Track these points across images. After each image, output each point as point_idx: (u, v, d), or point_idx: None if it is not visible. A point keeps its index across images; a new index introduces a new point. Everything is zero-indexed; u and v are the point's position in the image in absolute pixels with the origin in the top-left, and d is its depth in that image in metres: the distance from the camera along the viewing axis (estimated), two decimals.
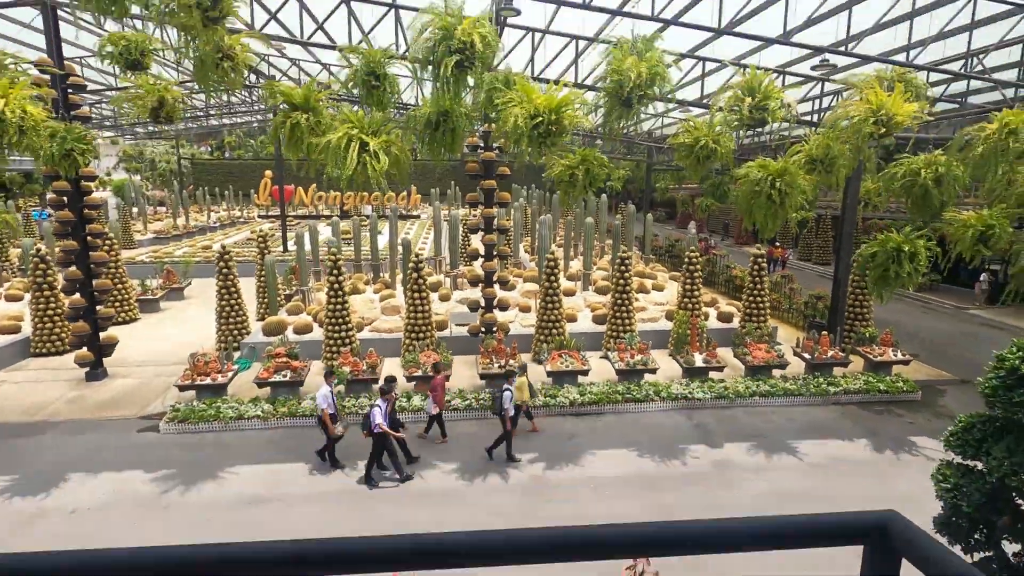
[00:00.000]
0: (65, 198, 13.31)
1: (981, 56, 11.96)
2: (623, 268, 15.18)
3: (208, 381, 12.46)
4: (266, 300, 19.15)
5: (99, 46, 11.17)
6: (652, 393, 12.89)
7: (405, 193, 47.07)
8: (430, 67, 8.90)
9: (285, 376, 12.67)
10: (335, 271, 14.29)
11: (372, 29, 13.79)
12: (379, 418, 9.70)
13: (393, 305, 17.44)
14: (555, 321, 15.06)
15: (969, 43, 11.59)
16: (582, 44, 14.42)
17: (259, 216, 47.59)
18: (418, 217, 46.22)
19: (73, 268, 13.57)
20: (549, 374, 13.38)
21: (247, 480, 10.01)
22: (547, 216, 17.86)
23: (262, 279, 19.21)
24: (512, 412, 10.50)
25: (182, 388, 12.46)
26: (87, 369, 14.10)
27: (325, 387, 10.39)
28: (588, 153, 10.54)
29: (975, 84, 14.86)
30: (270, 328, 15.98)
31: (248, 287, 19.74)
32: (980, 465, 4.67)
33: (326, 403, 10.21)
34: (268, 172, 46.28)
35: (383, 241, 26.81)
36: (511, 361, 13.38)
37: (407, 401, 12.43)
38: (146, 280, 21.57)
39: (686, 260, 15.70)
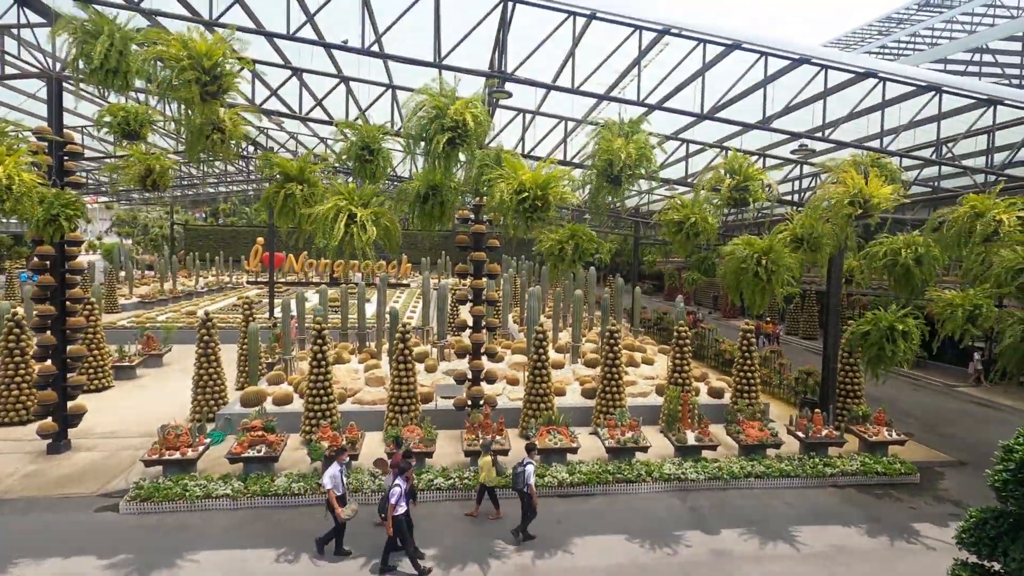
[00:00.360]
0: (48, 262, 13.13)
1: (950, 144, 12.60)
2: (612, 341, 15.03)
3: (177, 456, 11.79)
4: (247, 369, 18.63)
5: (98, 117, 11.42)
6: (644, 473, 12.37)
7: (395, 262, 47.43)
8: (423, 143, 9.11)
9: (260, 451, 12.04)
10: (320, 340, 13.99)
11: (369, 107, 14.30)
12: (396, 499, 8.93)
13: (377, 376, 16.99)
14: (544, 395, 14.69)
15: (938, 132, 12.25)
16: (570, 124, 15.04)
17: (248, 282, 47.39)
18: (408, 286, 46.32)
19: (48, 334, 13.16)
20: (538, 452, 12.84)
21: (207, 569, 9.21)
22: (536, 288, 17.90)
23: (245, 347, 18.77)
24: (533, 487, 10.06)
25: (148, 463, 11.76)
26: (49, 441, 13.34)
27: (335, 466, 9.58)
28: (576, 228, 10.67)
29: (947, 169, 15.57)
30: (248, 399, 15.40)
31: (230, 354, 19.25)
32: (997, 566, 4.37)
33: (333, 484, 9.35)
34: (260, 239, 46.68)
35: (371, 310, 26.63)
36: (498, 437, 12.88)
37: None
38: (124, 346, 20.99)
39: (676, 334, 15.62)
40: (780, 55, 10.05)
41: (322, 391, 13.98)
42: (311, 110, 14.24)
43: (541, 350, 14.70)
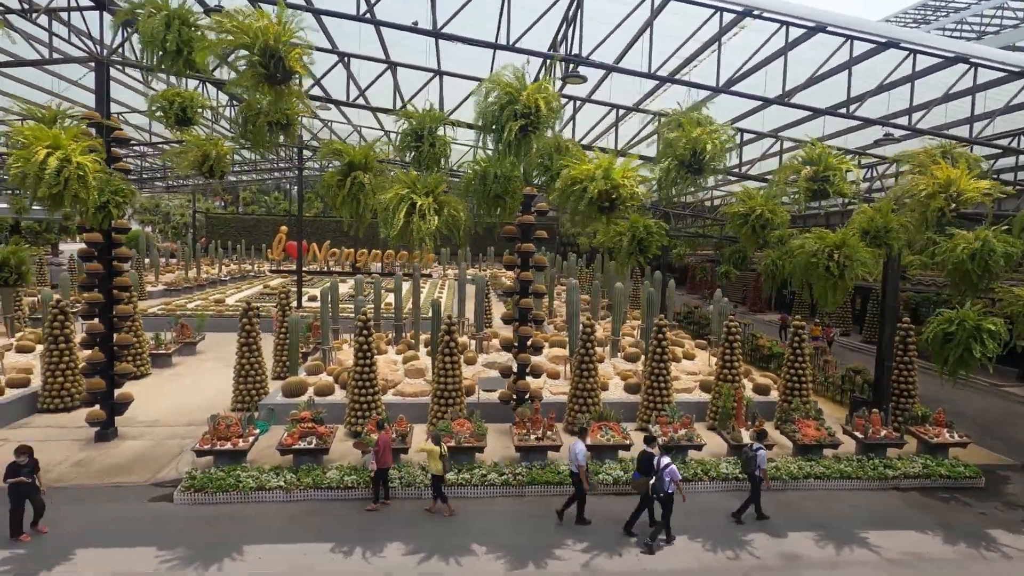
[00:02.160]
0: (95, 250, 13.03)
1: None
2: (660, 336, 14.68)
3: (228, 446, 11.68)
4: (284, 359, 18.57)
5: (149, 102, 11.24)
6: (700, 472, 12.06)
7: (418, 252, 47.20)
8: (494, 130, 8.79)
9: (310, 443, 11.89)
10: (365, 331, 13.80)
11: (415, 95, 13.97)
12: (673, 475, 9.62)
13: (417, 368, 16.80)
14: (591, 390, 14.39)
15: None
16: (621, 112, 14.59)
17: (270, 271, 47.49)
18: (429, 276, 46.07)
19: (95, 321, 13.09)
20: (589, 448, 12.57)
21: (269, 563, 9.08)
22: (574, 280, 17.55)
23: (281, 336, 18.69)
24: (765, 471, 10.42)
25: (200, 453, 11.66)
26: (97, 428, 13.32)
27: (581, 443, 10.36)
28: (639, 220, 10.29)
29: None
30: (291, 389, 15.30)
31: (265, 344, 19.18)
32: None
33: (584, 459, 10.24)
34: (283, 227, 46.66)
35: (390, 299, 26.45)
36: (548, 432, 12.63)
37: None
38: (160, 334, 21.01)
39: (725, 329, 15.22)
40: (866, 38, 9.54)
41: (367, 382, 13.81)
42: (356, 98, 13.92)
43: (588, 344, 14.38)
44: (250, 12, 7.99)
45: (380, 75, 13.83)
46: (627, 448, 12.59)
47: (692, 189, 9.82)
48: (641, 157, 12.19)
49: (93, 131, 12.42)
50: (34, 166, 7.87)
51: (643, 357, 18.64)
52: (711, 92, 11.80)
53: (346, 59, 13.63)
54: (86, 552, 9.16)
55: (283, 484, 11.11)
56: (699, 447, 12.67)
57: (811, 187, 9.30)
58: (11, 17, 12.60)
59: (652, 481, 9.64)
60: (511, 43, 9.96)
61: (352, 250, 45.45)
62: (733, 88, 10.62)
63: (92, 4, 12.53)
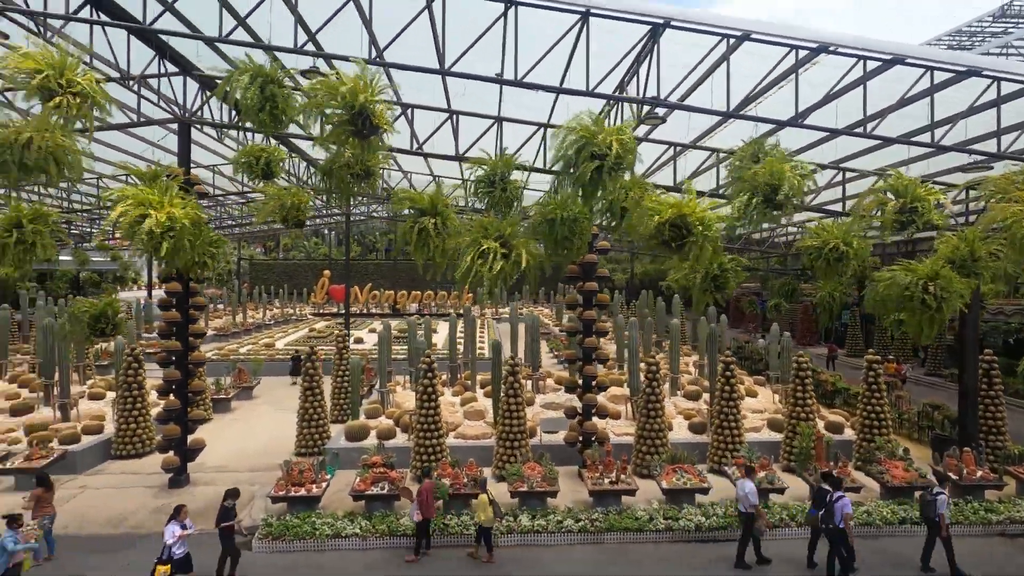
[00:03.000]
0: (173, 299, 13.53)
1: None
2: (728, 373, 14.31)
3: (303, 493, 11.68)
4: (342, 402, 18.69)
5: (235, 158, 11.83)
6: (787, 516, 11.49)
7: (457, 293, 47.68)
8: (570, 172, 8.93)
9: (383, 488, 11.81)
10: (429, 374, 13.83)
11: (477, 140, 14.39)
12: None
13: (477, 409, 16.69)
14: (658, 430, 14.02)
15: None
16: (678, 148, 14.71)
17: (312, 314, 48.43)
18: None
19: (172, 368, 13.47)
20: (664, 491, 12.17)
21: None
22: (634, 318, 17.37)
23: (339, 379, 18.87)
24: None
25: (275, 499, 11.69)
26: (171, 475, 13.52)
27: (750, 483, 10.30)
28: (716, 257, 10.17)
29: None
30: (354, 432, 15.33)
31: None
32: None
33: (756, 498, 10.15)
34: (326, 272, 47.81)
35: (439, 340, 26.53)
36: (623, 476, 12.27)
37: (513, 521, 11.33)
38: (220, 379, 21.46)
39: (795, 365, 14.75)
40: (946, 68, 9.50)
41: (432, 426, 13.75)
42: (423, 144, 14.39)
43: (654, 383, 14.10)
44: (336, 73, 8.42)
45: (442, 124, 14.32)
46: (705, 492, 12.12)
47: (767, 225, 9.69)
48: (710, 194, 12.21)
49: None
50: (139, 223, 8.32)
51: (704, 396, 18.18)
52: (775, 126, 11.81)
53: (410, 110, 14.17)
54: None
55: (359, 531, 11.01)
56: (781, 491, 12.11)
57: (899, 219, 9.12)
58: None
59: (820, 513, 9.82)
60: (591, 89, 10.21)
61: (392, 292, 46.17)
62: (804, 121, 10.61)
63: (176, 70, 13.44)
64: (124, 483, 13.91)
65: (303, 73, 9.54)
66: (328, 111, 8.19)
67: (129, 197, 8.69)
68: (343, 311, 46.50)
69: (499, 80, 10.18)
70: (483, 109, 14.47)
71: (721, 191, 13.81)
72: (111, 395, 18.82)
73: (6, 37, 9.50)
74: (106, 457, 15.47)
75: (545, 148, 14.21)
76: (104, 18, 10.79)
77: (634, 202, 9.07)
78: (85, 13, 10.27)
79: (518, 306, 49.25)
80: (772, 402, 18.23)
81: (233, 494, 9.99)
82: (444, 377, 20.25)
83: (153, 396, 16.15)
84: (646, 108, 10.47)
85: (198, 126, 14.39)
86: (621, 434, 15.53)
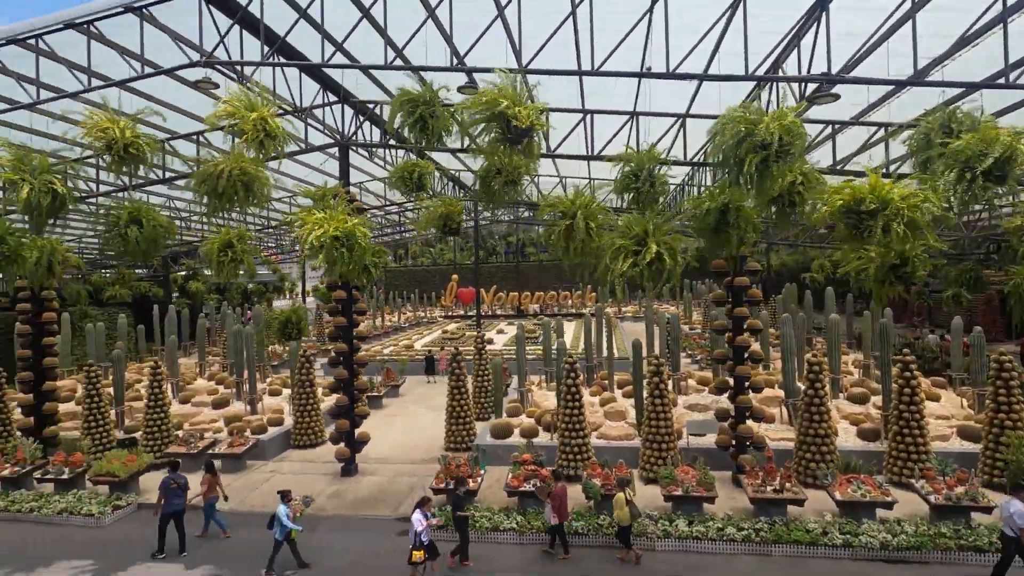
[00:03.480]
0: (340, 306, 14.99)
1: None
2: (909, 374, 12.73)
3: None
4: (482, 400, 19.48)
5: (391, 174, 12.83)
6: (996, 540, 9.93)
7: (579, 291, 47.64)
8: (733, 165, 8.50)
9: (534, 485, 12.09)
10: (572, 374, 13.93)
11: (613, 137, 14.24)
12: None
13: (617, 410, 16.51)
14: (823, 436, 12.84)
15: None
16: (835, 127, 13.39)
17: (443, 316, 51.06)
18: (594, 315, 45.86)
19: (341, 368, 14.93)
20: (839, 504, 11.12)
21: None
22: (787, 314, 16.11)
23: (480, 378, 19.68)
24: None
25: (437, 491, 12.46)
26: (343, 464, 14.97)
27: (1019, 503, 8.77)
28: (911, 241, 9.00)
29: None
30: (498, 430, 15.90)
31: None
32: None
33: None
34: (454, 276, 50.19)
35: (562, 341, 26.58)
36: (788, 484, 11.42)
37: (670, 524, 11.02)
38: (372, 378, 23.40)
39: (995, 364, 12.73)
40: None
41: (576, 425, 13.82)
42: (557, 146, 14.55)
43: (818, 384, 12.94)
44: (489, 85, 8.78)
45: (577, 124, 14.36)
46: (888, 506, 10.88)
47: (981, 204, 8.42)
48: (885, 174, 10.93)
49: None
50: (318, 239, 9.40)
51: (873, 399, 16.36)
52: (964, 90, 10.29)
53: (544, 114, 14.38)
54: None
55: (515, 526, 11.37)
56: (988, 509, 10.51)
57: None
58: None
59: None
60: (750, 72, 9.67)
61: (516, 293, 47.27)
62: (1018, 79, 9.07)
63: (336, 100, 14.89)
64: (304, 470, 15.67)
65: (459, 89, 10.13)
66: (484, 123, 8.56)
67: (314, 217, 9.78)
68: (469, 313, 48.74)
69: (646, 74, 9.97)
70: (614, 106, 14.30)
71: (893, 168, 12.37)
72: (286, 391, 21.35)
73: (216, 87, 11.25)
74: (287, 446, 17.54)
75: (685, 139, 13.68)
76: (281, 59, 12.29)
77: (811, 187, 8.39)
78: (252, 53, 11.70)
79: (641, 304, 48.02)
80: (960, 407, 15.92)
81: (462, 482, 10.84)
82: (581, 377, 20.28)
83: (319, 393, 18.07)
84: (811, 87, 9.61)
85: (353, 148, 15.82)
86: (776, 439, 14.47)
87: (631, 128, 14.41)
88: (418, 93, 9.12)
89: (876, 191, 8.46)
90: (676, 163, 10.21)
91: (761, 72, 10.40)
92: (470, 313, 48.56)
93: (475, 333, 20.73)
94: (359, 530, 12.06)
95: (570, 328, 38.15)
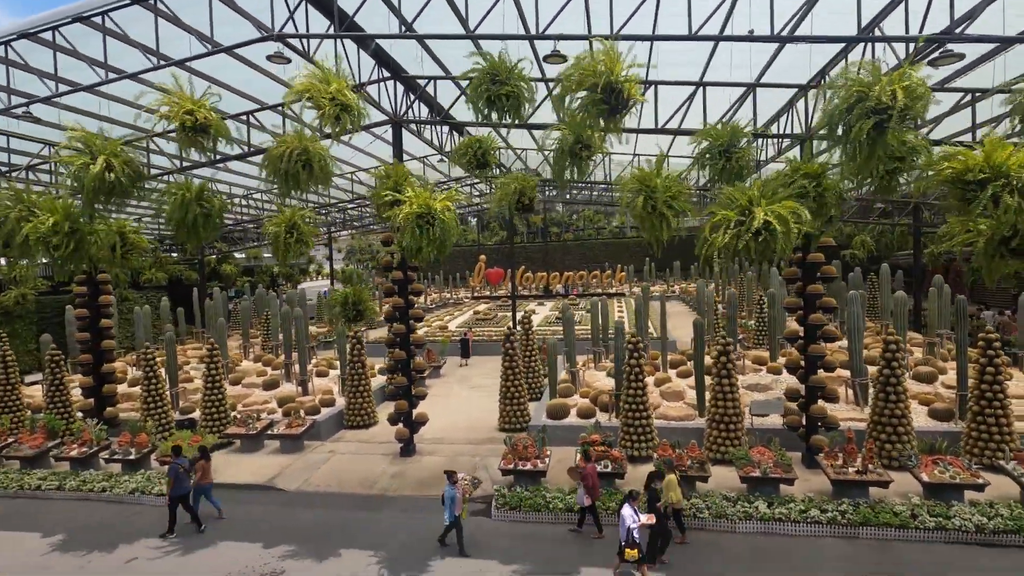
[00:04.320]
0: (396, 287, 14.83)
1: None
2: (991, 352, 12.24)
3: (529, 467, 12.22)
4: (531, 381, 19.32)
5: (456, 150, 12.50)
6: None
7: (609, 271, 47.15)
8: (839, 135, 8.03)
9: (606, 467, 11.93)
10: (636, 354, 13.66)
11: (678, 110, 13.69)
12: None
13: (674, 390, 16.25)
14: (900, 417, 12.46)
15: None
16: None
17: (472, 297, 50.96)
18: (623, 295, 45.51)
19: (399, 350, 14.82)
20: (925, 485, 10.79)
21: None
22: (854, 292, 15.57)
23: (528, 359, 19.50)
24: None
25: (505, 472, 12.37)
26: (401, 445, 14.96)
27: None
28: (1013, 216, 8.52)
29: None
30: (555, 410, 15.74)
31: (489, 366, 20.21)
32: None
33: None
34: (482, 257, 49.92)
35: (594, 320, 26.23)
36: (870, 465, 11.08)
37: (750, 506, 10.79)
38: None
39: None
40: None
41: (640, 406, 13.60)
42: (667, 121, 13.93)
43: (894, 364, 12.52)
44: (586, 55, 8.36)
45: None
46: (980, 488, 10.53)
47: None
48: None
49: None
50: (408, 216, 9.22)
51: (941, 378, 15.89)
52: None
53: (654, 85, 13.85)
54: (438, 562, 10.04)
55: None
56: None
57: None
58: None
59: None
60: (863, 29, 9.06)
61: (545, 274, 46.93)
62: None
63: (388, 76, 14.51)
64: (361, 450, 15.70)
65: (544, 59, 9.72)
66: (586, 91, 8.18)
67: (406, 195, 9.54)
68: (496, 294, 48.52)
69: (726, 38, 9.45)
70: (676, 76, 13.74)
71: (981, 134, 11.70)
72: (332, 372, 21.43)
73: (288, 61, 10.96)
74: (340, 427, 17.61)
75: (755, 109, 13.11)
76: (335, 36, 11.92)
77: (925, 157, 7.90)
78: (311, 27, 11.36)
79: (668, 283, 47.48)
80: None
81: (658, 476, 9.91)
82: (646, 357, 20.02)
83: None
84: (932, 48, 9.00)
85: (405, 125, 15.49)
86: (844, 419, 14.10)
87: (703, 99, 13.80)
88: (501, 64, 8.75)
89: (991, 159, 7.95)
90: (764, 135, 9.74)
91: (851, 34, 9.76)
92: (496, 294, 48.35)
93: (526, 313, 20.49)
94: (427, 510, 12.01)
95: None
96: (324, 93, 8.67)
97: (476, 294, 50.12)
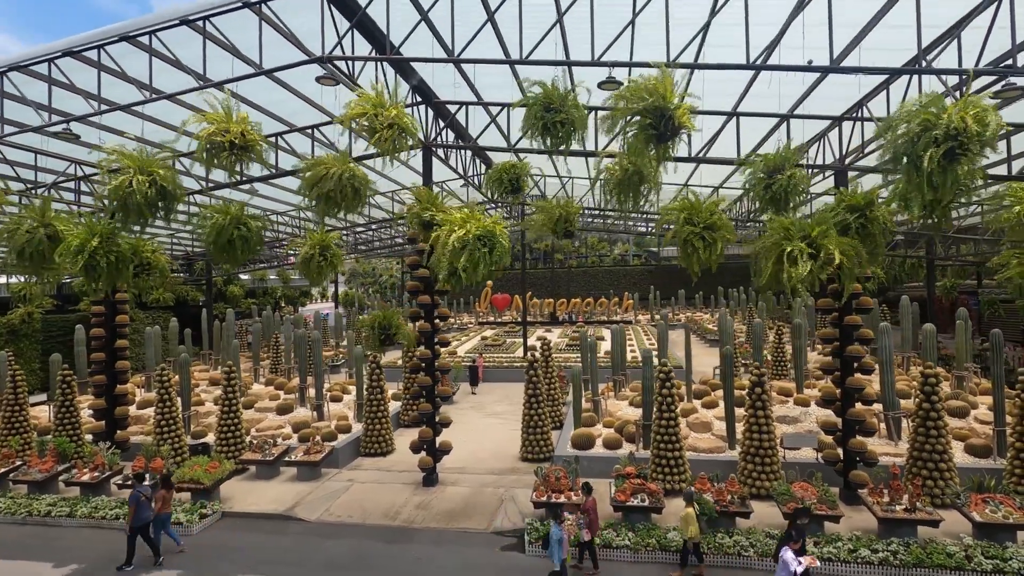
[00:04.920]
0: (422, 311, 14.60)
1: None
2: None
3: (563, 499, 11.83)
4: (551, 409, 18.96)
5: (488, 176, 12.46)
6: None
7: (617, 298, 47.03)
8: (905, 164, 7.96)
9: (643, 501, 11.56)
10: (668, 384, 13.41)
11: (715, 137, 13.75)
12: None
13: (701, 421, 15.93)
14: (941, 452, 12.17)
15: None
16: None
17: (478, 323, 50.64)
18: (629, 323, 45.29)
19: (423, 375, 14.52)
20: (976, 525, 10.46)
21: None
22: (885, 323, 15.39)
23: (547, 387, 19.17)
24: None
25: (538, 505, 11.98)
26: (424, 474, 14.53)
27: None
28: None
29: None
30: (580, 440, 15.38)
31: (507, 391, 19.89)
32: None
33: None
34: (488, 282, 49.77)
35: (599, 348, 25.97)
36: (918, 504, 10.76)
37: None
38: None
39: None
40: None
41: (672, 437, 13.27)
42: (701, 151, 13.98)
43: (934, 397, 12.29)
44: (639, 80, 8.36)
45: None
46: None
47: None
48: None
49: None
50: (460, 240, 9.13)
51: (973, 412, 15.64)
52: None
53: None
54: None
55: (628, 543, 10.84)
56: None
57: None
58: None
59: None
60: (926, 63, 9.13)
61: (552, 300, 46.76)
62: None
63: (421, 100, 14.58)
64: (382, 479, 15.24)
65: (600, 85, 9.74)
66: (632, 117, 8.14)
67: (455, 217, 9.44)
68: (501, 319, 48.22)
69: (768, 67, 9.50)
70: (710, 106, 13.85)
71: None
72: (346, 397, 21.02)
73: (336, 83, 10.97)
74: (356, 454, 17.15)
75: (789, 138, 13.17)
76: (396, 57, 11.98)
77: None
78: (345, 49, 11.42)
79: (675, 312, 47.27)
80: None
81: (804, 512, 9.29)
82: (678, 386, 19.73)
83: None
84: (990, 80, 9.06)
85: (434, 151, 15.51)
86: (881, 454, 13.79)
87: (723, 129, 13.92)
88: (554, 91, 8.76)
89: None
90: (816, 167, 9.71)
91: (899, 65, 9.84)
92: (501, 319, 48.07)
93: (518, 339, 20.23)
94: (456, 543, 11.58)
95: (606, 335, 37.47)
96: (383, 117, 8.66)
97: (481, 319, 49.81)
